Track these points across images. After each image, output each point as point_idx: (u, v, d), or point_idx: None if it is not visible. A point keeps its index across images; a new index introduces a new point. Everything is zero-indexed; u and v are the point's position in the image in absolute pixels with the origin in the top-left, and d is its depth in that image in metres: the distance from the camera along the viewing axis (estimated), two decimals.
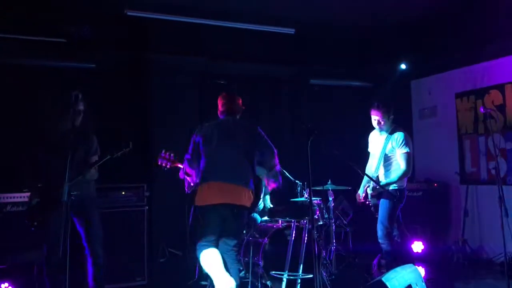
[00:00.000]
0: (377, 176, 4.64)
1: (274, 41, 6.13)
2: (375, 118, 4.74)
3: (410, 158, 4.59)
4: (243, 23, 5.69)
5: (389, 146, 4.65)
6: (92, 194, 4.11)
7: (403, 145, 4.58)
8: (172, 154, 4.34)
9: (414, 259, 5.82)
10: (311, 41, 6.26)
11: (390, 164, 4.66)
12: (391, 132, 4.71)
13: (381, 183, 4.51)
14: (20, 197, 4.60)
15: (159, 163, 4.32)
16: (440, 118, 6.81)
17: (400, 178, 4.57)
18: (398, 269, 3.85)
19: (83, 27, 5.25)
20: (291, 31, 5.94)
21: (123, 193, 4.97)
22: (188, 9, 5.38)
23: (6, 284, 4.25)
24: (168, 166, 4.32)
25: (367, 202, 4.79)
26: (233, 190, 3.84)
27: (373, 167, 4.80)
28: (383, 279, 3.41)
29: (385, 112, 4.68)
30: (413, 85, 7.31)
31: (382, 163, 4.67)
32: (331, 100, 7.05)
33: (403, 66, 6.73)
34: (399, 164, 4.60)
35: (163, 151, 4.36)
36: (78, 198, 3.84)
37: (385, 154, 4.66)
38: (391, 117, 4.74)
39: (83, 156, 3.96)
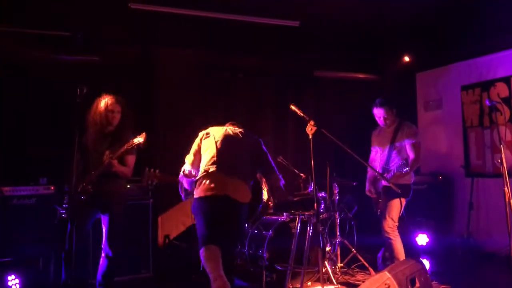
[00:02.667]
0: (386, 170, 4.61)
1: (278, 34, 6.10)
2: (379, 116, 4.74)
3: (419, 148, 4.61)
4: (247, 16, 5.66)
5: (398, 138, 4.66)
6: (119, 191, 4.15)
7: (412, 136, 4.61)
8: (157, 170, 4.22)
9: (419, 252, 5.85)
10: (316, 33, 6.22)
11: (399, 156, 4.64)
12: (397, 125, 4.73)
13: (393, 173, 4.48)
14: (27, 190, 4.62)
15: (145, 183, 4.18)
16: (445, 111, 6.78)
17: (411, 169, 4.55)
18: (403, 261, 3.86)
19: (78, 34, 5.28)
20: (295, 23, 5.91)
21: (128, 186, 4.98)
22: (192, 2, 5.35)
23: (13, 277, 4.27)
24: (154, 183, 4.18)
25: (377, 197, 4.79)
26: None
27: (380, 161, 4.79)
28: (386, 271, 3.41)
29: (387, 108, 4.70)
30: (418, 77, 7.27)
31: (391, 155, 4.65)
32: (336, 93, 7.02)
33: (406, 59, 6.70)
34: (409, 155, 4.60)
35: (146, 169, 4.24)
36: (104, 194, 3.94)
37: (394, 146, 4.66)
38: (394, 110, 4.74)
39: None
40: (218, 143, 3.90)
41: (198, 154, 3.97)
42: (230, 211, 3.74)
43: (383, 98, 4.77)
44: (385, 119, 4.73)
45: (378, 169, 4.76)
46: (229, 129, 4.06)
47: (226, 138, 3.95)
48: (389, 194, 4.61)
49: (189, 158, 4.00)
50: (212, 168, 3.77)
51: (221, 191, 3.69)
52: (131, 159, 4.15)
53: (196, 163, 3.95)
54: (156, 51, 6.07)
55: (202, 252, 3.59)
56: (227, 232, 3.76)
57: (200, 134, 4.05)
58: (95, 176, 3.94)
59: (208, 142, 3.94)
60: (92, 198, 3.97)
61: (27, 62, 5.37)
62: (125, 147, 3.94)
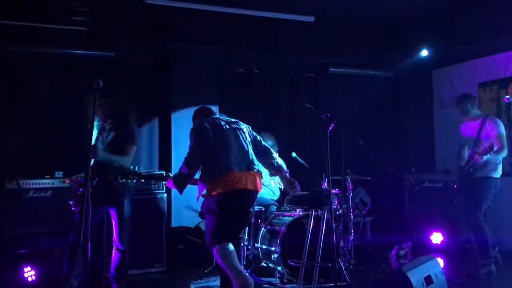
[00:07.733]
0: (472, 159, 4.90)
1: (293, 29, 6.08)
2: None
3: (504, 139, 4.88)
4: (262, 11, 5.65)
5: (484, 130, 4.96)
6: (124, 184, 4.13)
7: (497, 127, 4.91)
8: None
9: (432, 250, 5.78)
10: (331, 29, 6.18)
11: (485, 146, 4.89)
12: (484, 118, 5.03)
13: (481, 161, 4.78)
14: (42, 183, 4.67)
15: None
16: None
17: (495, 153, 4.79)
18: (418, 259, 3.84)
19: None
20: (310, 19, 5.89)
21: (142, 180, 5.00)
22: None
23: (29, 268, 4.34)
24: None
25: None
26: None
27: (466, 152, 5.14)
28: (403, 268, 3.39)
29: (458, 106, 5.17)
30: (434, 74, 7.18)
31: (477, 147, 4.94)
32: (351, 89, 6.97)
33: (424, 53, 6.63)
34: (494, 145, 4.82)
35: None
36: (110, 188, 3.97)
37: (480, 138, 4.95)
38: (472, 105, 5.10)
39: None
40: (222, 139, 3.73)
41: (202, 149, 3.71)
42: (251, 204, 3.75)
43: (457, 97, 5.26)
44: (461, 113, 5.17)
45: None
46: (222, 121, 3.87)
47: (226, 134, 3.78)
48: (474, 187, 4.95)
49: (193, 157, 3.71)
50: (229, 166, 3.62)
51: (246, 185, 3.61)
52: (129, 148, 4.16)
53: (200, 160, 3.74)
54: (171, 47, 6.08)
55: (217, 249, 3.51)
56: (243, 226, 3.81)
57: (198, 127, 3.83)
58: (98, 169, 3.95)
59: (209, 137, 3.71)
60: (98, 192, 3.96)
61: (43, 56, 5.43)
62: (121, 137, 3.99)
